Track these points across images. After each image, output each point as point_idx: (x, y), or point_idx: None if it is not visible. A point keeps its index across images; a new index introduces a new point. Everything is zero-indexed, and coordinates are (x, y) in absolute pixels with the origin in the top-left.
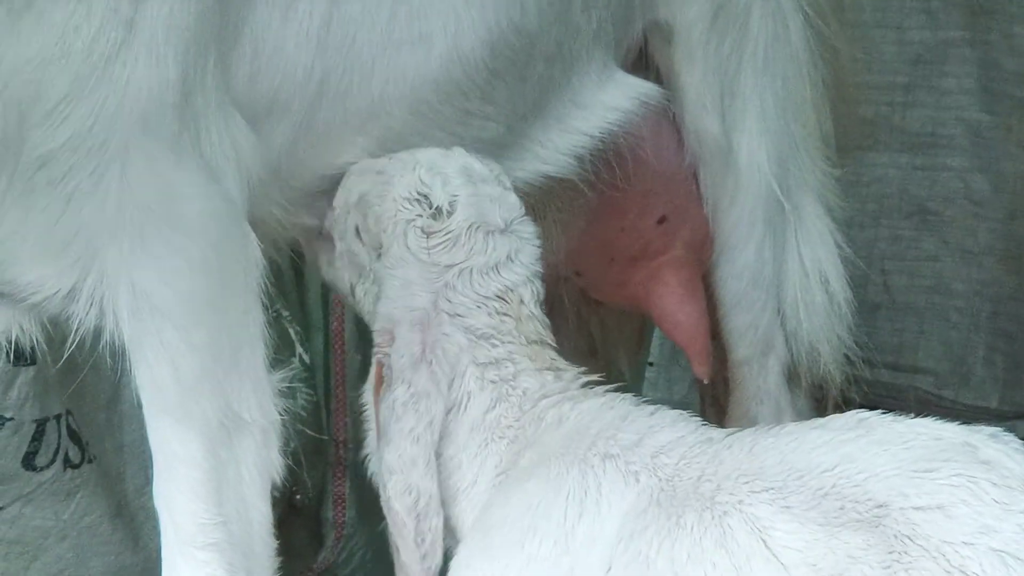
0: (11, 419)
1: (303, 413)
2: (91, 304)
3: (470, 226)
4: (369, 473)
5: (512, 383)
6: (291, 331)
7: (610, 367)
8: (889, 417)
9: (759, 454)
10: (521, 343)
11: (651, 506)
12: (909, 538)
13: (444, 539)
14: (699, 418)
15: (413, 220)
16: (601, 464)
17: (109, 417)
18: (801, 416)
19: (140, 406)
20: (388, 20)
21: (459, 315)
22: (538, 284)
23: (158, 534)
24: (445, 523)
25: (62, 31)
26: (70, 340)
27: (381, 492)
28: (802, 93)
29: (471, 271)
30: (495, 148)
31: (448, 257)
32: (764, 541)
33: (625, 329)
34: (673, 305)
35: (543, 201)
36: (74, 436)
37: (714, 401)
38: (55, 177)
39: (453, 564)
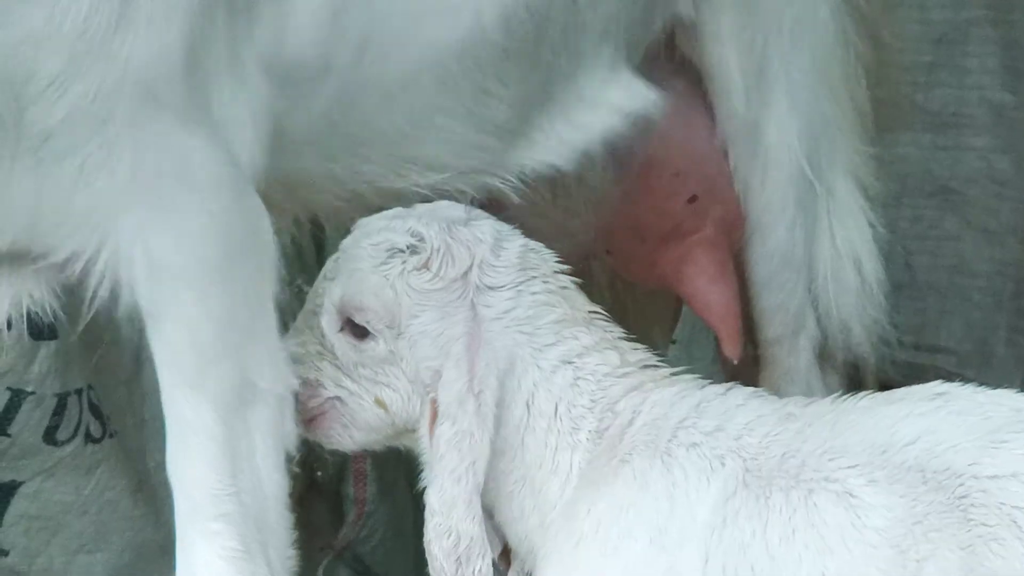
0: (32, 393)
1: None
2: (107, 274)
3: (444, 236)
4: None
5: (577, 363)
6: None
7: (643, 344)
8: (970, 388)
9: (842, 431)
10: (575, 317)
11: (739, 488)
12: (985, 507)
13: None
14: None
15: (403, 268)
16: (685, 455)
17: (130, 392)
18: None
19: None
20: None
21: (503, 312)
22: (547, 254)
23: None
24: (521, 541)
25: (51, 11)
26: (85, 312)
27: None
28: (833, 70)
29: (483, 267)
30: (504, 134)
31: (455, 271)
32: (852, 521)
33: (659, 305)
34: (704, 285)
35: (574, 180)
36: (95, 411)
37: (741, 379)
38: (60, 152)
39: None
